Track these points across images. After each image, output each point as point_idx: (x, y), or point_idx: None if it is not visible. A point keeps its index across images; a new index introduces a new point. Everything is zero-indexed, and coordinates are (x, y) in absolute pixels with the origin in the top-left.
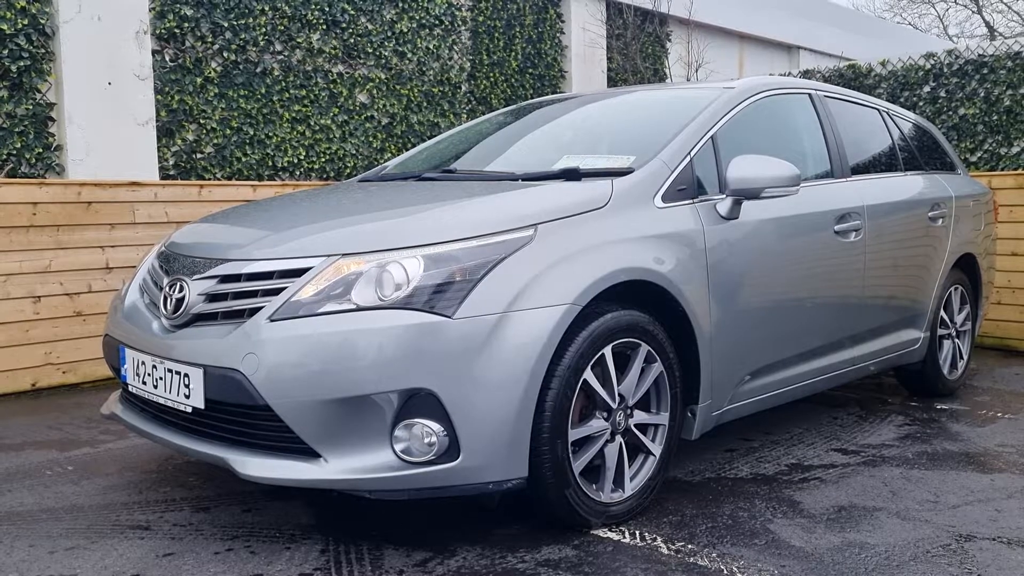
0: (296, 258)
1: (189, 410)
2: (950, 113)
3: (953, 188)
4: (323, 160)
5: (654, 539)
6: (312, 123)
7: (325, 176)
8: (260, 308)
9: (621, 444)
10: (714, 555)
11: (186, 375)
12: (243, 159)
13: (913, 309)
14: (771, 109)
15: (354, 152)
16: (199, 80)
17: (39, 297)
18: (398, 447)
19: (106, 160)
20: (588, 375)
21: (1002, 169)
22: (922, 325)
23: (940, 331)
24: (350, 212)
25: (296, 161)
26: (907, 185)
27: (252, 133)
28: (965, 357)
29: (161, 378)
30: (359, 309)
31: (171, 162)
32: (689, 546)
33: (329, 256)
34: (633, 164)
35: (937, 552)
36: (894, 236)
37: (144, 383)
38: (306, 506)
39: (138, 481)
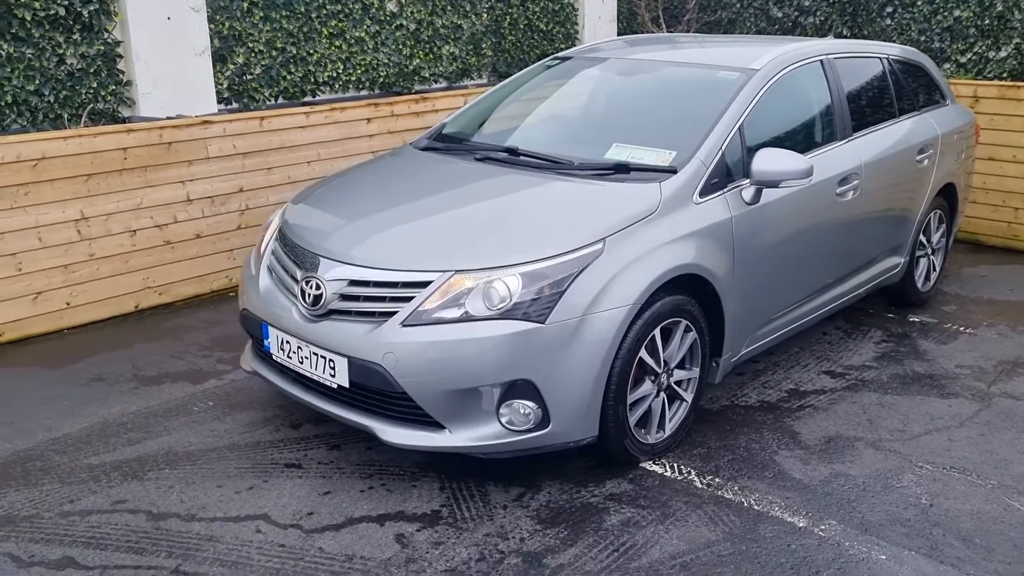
0: (418, 271)
1: (335, 386)
2: (945, 14)
3: (940, 125)
4: (359, 72)
5: (689, 472)
6: (348, 36)
7: (360, 87)
8: (391, 312)
9: (664, 397)
10: (736, 488)
11: (331, 360)
12: (288, 77)
13: (897, 239)
14: (788, 86)
15: (386, 61)
16: (245, 5)
17: (135, 231)
18: (503, 420)
19: (171, 91)
20: (643, 353)
21: (988, 72)
22: (903, 252)
23: (918, 252)
24: (451, 223)
25: (335, 75)
26: (900, 132)
27: (295, 52)
28: (938, 270)
29: (307, 358)
30: (472, 319)
31: (224, 85)
32: (716, 480)
33: (445, 271)
34: (674, 161)
35: (902, 483)
36: (885, 183)
37: (289, 358)
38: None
39: (271, 417)
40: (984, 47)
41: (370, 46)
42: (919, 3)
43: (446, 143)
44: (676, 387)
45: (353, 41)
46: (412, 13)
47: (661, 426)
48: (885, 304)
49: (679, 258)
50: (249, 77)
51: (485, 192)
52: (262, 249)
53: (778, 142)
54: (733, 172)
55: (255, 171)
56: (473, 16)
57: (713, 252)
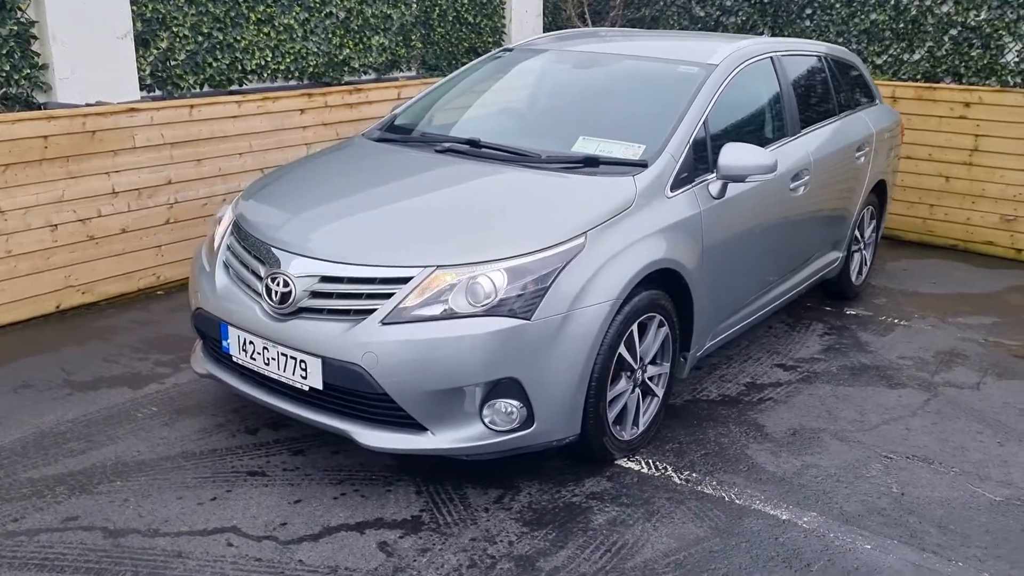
0: (397, 267)
1: (306, 389)
2: (862, 17)
3: (874, 123)
4: (288, 60)
5: (665, 468)
6: (276, 23)
7: (289, 76)
8: (369, 310)
9: (638, 393)
10: (714, 483)
11: (303, 361)
12: (214, 64)
13: (836, 235)
14: (744, 81)
15: (315, 50)
16: None
17: (56, 225)
18: (486, 420)
19: (90, 76)
20: (621, 349)
21: (903, 73)
22: (841, 247)
23: (852, 247)
24: (426, 217)
25: (264, 63)
26: (842, 130)
27: (221, 38)
28: (868, 264)
29: (274, 359)
30: (457, 316)
31: (147, 71)
32: (693, 475)
33: (426, 267)
34: (644, 155)
35: (871, 473)
36: (830, 180)
37: (253, 359)
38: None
39: (225, 422)
40: (899, 50)
41: (299, 34)
42: (837, 6)
43: (401, 134)
44: (649, 383)
45: (282, 28)
46: (342, 1)
47: (635, 422)
48: (821, 297)
49: (656, 253)
50: (173, 63)
51: (455, 185)
52: (216, 244)
53: (737, 137)
54: (699, 166)
55: (184, 162)
56: (403, 6)
57: (685, 246)
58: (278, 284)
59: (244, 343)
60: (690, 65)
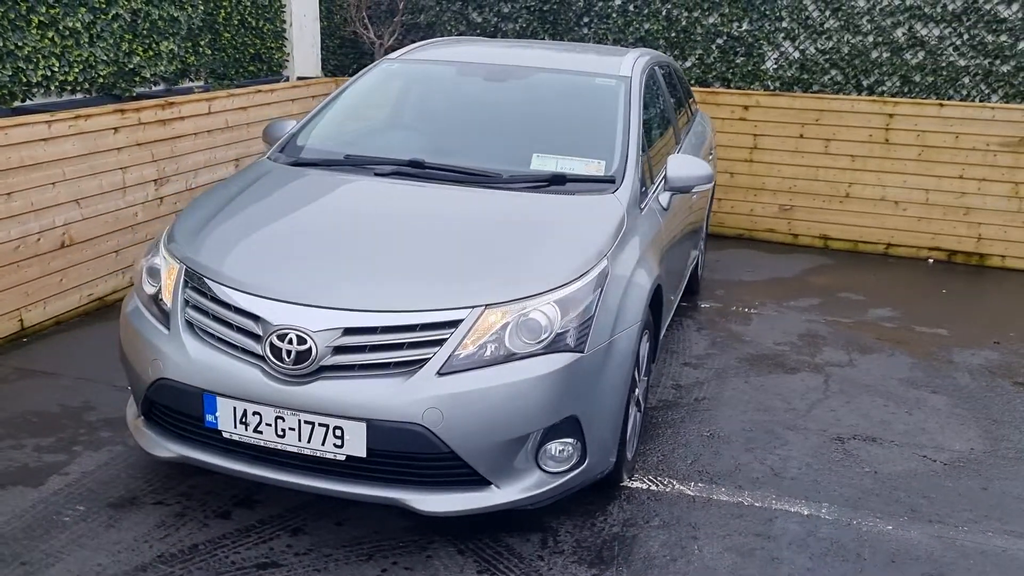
0: (441, 310)
1: (342, 459)
2: (637, 26)
3: (707, 125)
4: (77, 70)
5: (671, 483)
6: (60, 27)
7: (78, 88)
8: (416, 361)
9: (636, 410)
10: (723, 490)
11: (337, 428)
12: None
13: (699, 234)
14: (648, 93)
15: (104, 58)
16: None
17: None
18: (542, 464)
19: None
20: (635, 372)
21: None
22: (698, 243)
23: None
24: (442, 252)
25: (50, 74)
26: (697, 134)
27: (1, 44)
28: (704, 258)
29: (292, 429)
30: (516, 357)
31: None
32: (700, 484)
33: (474, 307)
34: (606, 170)
35: (838, 457)
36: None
37: (259, 432)
38: (381, 510)
39: (183, 511)
40: (672, 57)
41: (85, 39)
42: (614, 15)
43: (319, 158)
44: (640, 398)
45: (67, 33)
46: (126, 3)
47: (632, 440)
48: None
49: (652, 271)
50: None
51: (442, 213)
52: (171, 301)
53: (653, 147)
54: (646, 179)
55: None
56: (189, 8)
57: (658, 258)
58: (290, 342)
59: (244, 415)
60: (605, 77)
